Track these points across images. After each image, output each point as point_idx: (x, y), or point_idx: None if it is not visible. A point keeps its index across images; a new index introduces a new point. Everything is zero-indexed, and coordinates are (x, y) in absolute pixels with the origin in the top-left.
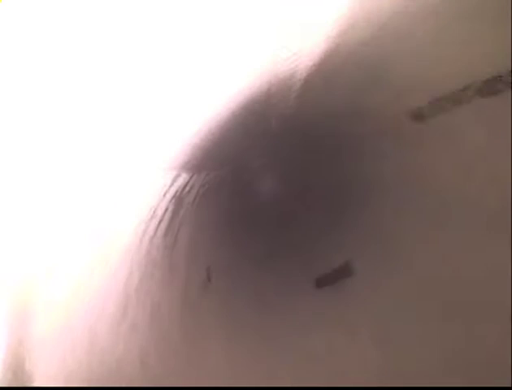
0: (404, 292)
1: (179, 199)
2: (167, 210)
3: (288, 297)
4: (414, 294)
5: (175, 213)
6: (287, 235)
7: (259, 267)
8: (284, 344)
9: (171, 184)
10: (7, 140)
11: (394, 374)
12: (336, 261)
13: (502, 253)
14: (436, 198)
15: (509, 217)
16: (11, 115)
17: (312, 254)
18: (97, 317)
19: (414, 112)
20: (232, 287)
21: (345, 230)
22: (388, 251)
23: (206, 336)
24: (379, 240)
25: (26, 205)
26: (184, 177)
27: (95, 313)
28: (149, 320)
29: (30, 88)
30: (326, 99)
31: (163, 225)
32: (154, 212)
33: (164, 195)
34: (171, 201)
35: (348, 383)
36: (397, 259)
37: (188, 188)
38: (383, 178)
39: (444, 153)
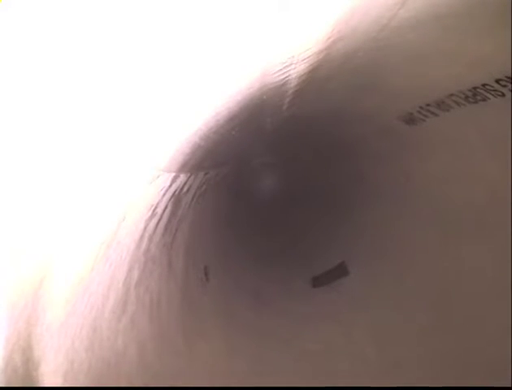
0: (400, 292)
1: (178, 198)
2: (166, 209)
3: (285, 296)
4: (411, 293)
5: (173, 212)
6: (285, 234)
7: (257, 266)
8: (281, 342)
9: (171, 184)
10: (7, 139)
11: (391, 373)
12: (332, 261)
13: (494, 249)
14: (429, 199)
15: (496, 213)
16: (11, 115)
17: (309, 254)
18: (97, 312)
19: (405, 117)
20: (230, 286)
21: (342, 230)
22: (384, 251)
23: (205, 334)
24: (374, 241)
25: (26, 201)
26: (183, 176)
27: (95, 308)
28: (149, 317)
29: (29, 89)
30: (321, 103)
31: (162, 223)
32: (154, 211)
33: (164, 194)
34: (170, 200)
35: (345, 381)
36: (392, 259)
37: (186, 188)
38: (379, 179)
39: (435, 155)
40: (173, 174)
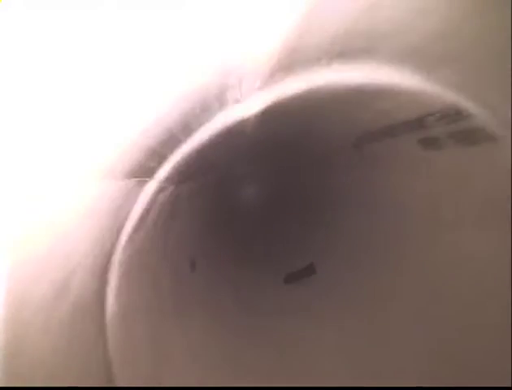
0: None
1: (167, 205)
2: (161, 210)
3: (260, 290)
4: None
5: (167, 214)
6: (262, 238)
7: (237, 264)
8: (256, 330)
9: (160, 193)
10: (7, 139)
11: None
12: (302, 261)
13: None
14: (392, 207)
15: (433, 220)
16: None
17: (282, 255)
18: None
19: (353, 142)
20: (214, 278)
21: (311, 234)
22: (349, 254)
23: (190, 313)
24: (341, 245)
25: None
26: (171, 187)
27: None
28: (152, 284)
29: (29, 89)
30: (283, 129)
31: (159, 222)
32: (148, 213)
33: (157, 201)
34: (162, 206)
35: (316, 370)
36: (355, 260)
37: (174, 196)
38: (342, 192)
39: (376, 173)
40: (164, 185)
